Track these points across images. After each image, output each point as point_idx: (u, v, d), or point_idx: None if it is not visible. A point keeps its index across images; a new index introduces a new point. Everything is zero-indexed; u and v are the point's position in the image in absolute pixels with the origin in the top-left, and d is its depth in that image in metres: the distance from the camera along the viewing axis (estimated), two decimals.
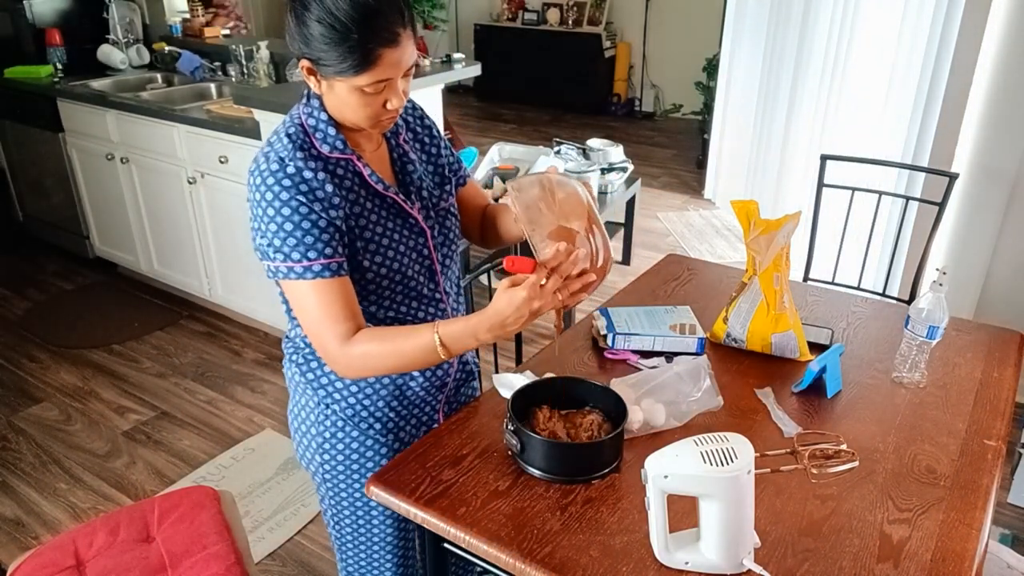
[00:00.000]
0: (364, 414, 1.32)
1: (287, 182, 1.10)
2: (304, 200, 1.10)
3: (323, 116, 1.16)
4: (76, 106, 3.52)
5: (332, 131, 1.16)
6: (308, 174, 1.11)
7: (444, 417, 1.41)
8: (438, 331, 1.11)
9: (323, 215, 1.11)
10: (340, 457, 1.34)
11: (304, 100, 1.19)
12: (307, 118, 1.17)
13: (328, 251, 1.11)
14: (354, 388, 1.30)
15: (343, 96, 1.11)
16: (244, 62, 3.64)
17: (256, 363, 3.15)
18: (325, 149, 1.15)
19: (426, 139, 1.34)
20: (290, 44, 1.12)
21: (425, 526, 1.15)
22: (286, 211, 1.10)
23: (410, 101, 1.33)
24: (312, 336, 1.15)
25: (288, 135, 1.15)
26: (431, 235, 1.28)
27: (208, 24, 4.31)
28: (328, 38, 1.05)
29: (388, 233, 1.21)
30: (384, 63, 1.06)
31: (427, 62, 3.27)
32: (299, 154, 1.12)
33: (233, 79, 3.68)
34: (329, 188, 1.13)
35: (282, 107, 2.54)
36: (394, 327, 1.23)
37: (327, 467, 1.36)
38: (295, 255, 1.10)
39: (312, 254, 1.10)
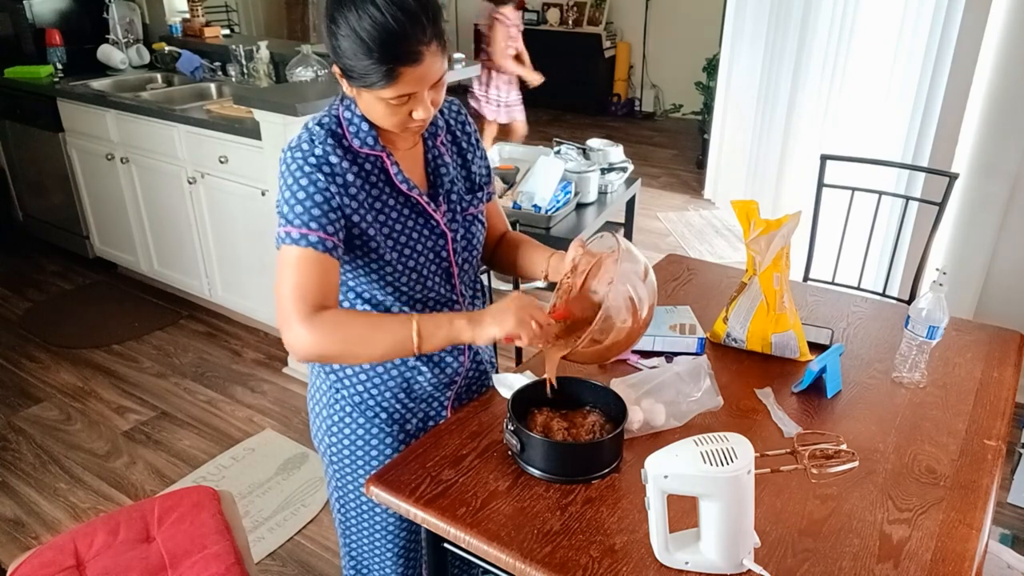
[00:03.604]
0: (371, 402, 1.34)
1: (312, 160, 1.15)
2: (323, 178, 1.15)
3: (358, 111, 1.20)
4: (76, 106, 3.52)
5: (365, 126, 1.19)
6: (333, 159, 1.16)
7: (453, 414, 1.41)
8: (416, 317, 1.13)
9: (336, 197, 1.15)
10: (346, 442, 1.37)
11: (342, 95, 1.22)
12: (343, 110, 1.21)
13: (330, 229, 1.14)
14: (363, 376, 1.32)
15: (370, 104, 1.15)
16: (244, 62, 3.64)
17: (256, 363, 3.15)
18: (356, 143, 1.19)
19: (464, 144, 1.35)
20: (327, 48, 1.16)
21: (425, 526, 1.15)
22: (304, 181, 1.14)
23: (456, 104, 1.36)
24: (279, 302, 1.14)
25: (321, 124, 1.20)
26: (452, 239, 1.30)
27: None
28: (353, 53, 1.08)
29: (407, 231, 1.24)
30: (405, 80, 1.09)
31: None
32: (330, 140, 1.17)
33: (233, 79, 3.68)
34: (350, 177, 1.17)
35: (282, 107, 2.54)
36: (373, 312, 1.26)
37: (333, 450, 1.39)
38: (297, 222, 1.14)
39: (313, 224, 1.13)
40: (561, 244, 3.43)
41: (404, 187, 1.23)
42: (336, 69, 1.14)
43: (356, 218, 1.18)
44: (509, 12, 4.39)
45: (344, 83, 1.16)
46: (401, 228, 1.24)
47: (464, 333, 1.12)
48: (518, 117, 4.80)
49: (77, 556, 1.55)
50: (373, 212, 1.20)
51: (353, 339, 1.12)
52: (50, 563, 1.52)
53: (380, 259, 1.22)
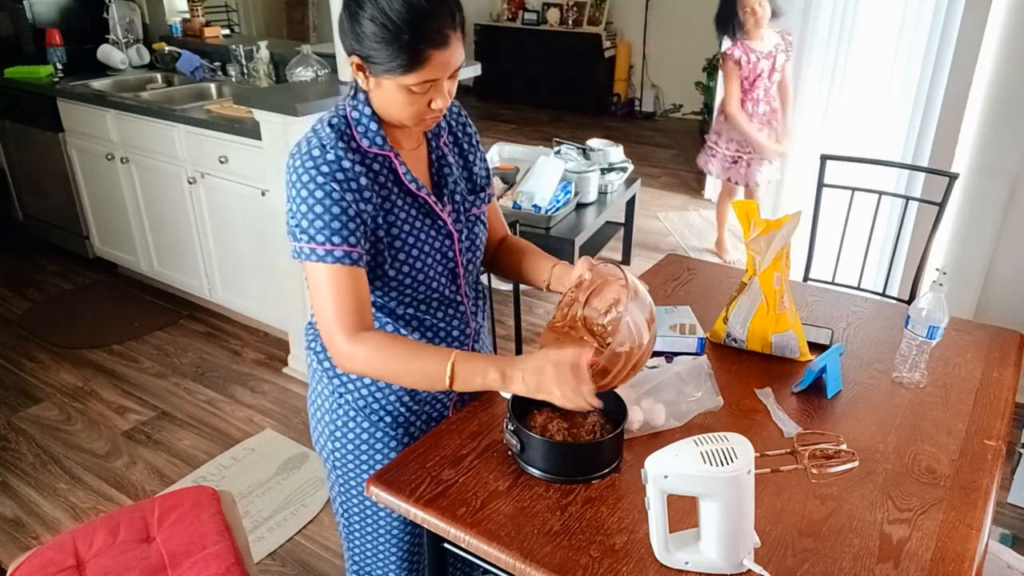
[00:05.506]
0: (375, 406, 1.34)
1: (325, 168, 1.14)
2: (338, 187, 1.14)
3: (367, 111, 1.19)
4: (76, 106, 3.52)
5: (374, 126, 1.19)
6: (347, 163, 1.15)
7: (454, 414, 1.41)
8: (454, 358, 1.12)
9: (353, 204, 1.15)
10: (350, 447, 1.37)
11: (351, 94, 1.22)
12: (351, 111, 1.20)
13: (352, 240, 1.14)
14: (367, 380, 1.32)
15: (390, 94, 1.13)
16: (244, 62, 3.64)
17: (256, 363, 3.15)
18: (364, 143, 1.18)
19: (465, 145, 1.36)
20: (342, 40, 1.15)
21: (425, 526, 1.15)
22: (319, 194, 1.13)
23: (456, 105, 1.36)
24: (320, 321, 1.17)
25: (331, 125, 1.18)
26: (458, 239, 1.30)
27: None
28: (380, 37, 1.07)
29: (415, 232, 1.24)
30: (432, 64, 1.09)
31: None
32: (340, 144, 1.16)
33: (233, 79, 3.68)
34: (364, 181, 1.16)
35: (282, 107, 2.54)
36: (416, 341, 1.26)
37: (337, 455, 1.38)
38: (320, 237, 1.13)
39: (336, 239, 1.13)
40: (561, 244, 3.44)
41: (413, 187, 1.22)
42: (355, 60, 1.12)
43: (369, 221, 1.18)
44: (746, 48, 3.47)
45: (361, 75, 1.14)
46: (409, 229, 1.23)
47: (495, 386, 1.12)
48: (750, 180, 3.66)
49: (77, 556, 1.55)
50: (383, 213, 1.20)
51: (392, 368, 1.15)
52: (50, 563, 1.52)
53: (385, 261, 1.22)
